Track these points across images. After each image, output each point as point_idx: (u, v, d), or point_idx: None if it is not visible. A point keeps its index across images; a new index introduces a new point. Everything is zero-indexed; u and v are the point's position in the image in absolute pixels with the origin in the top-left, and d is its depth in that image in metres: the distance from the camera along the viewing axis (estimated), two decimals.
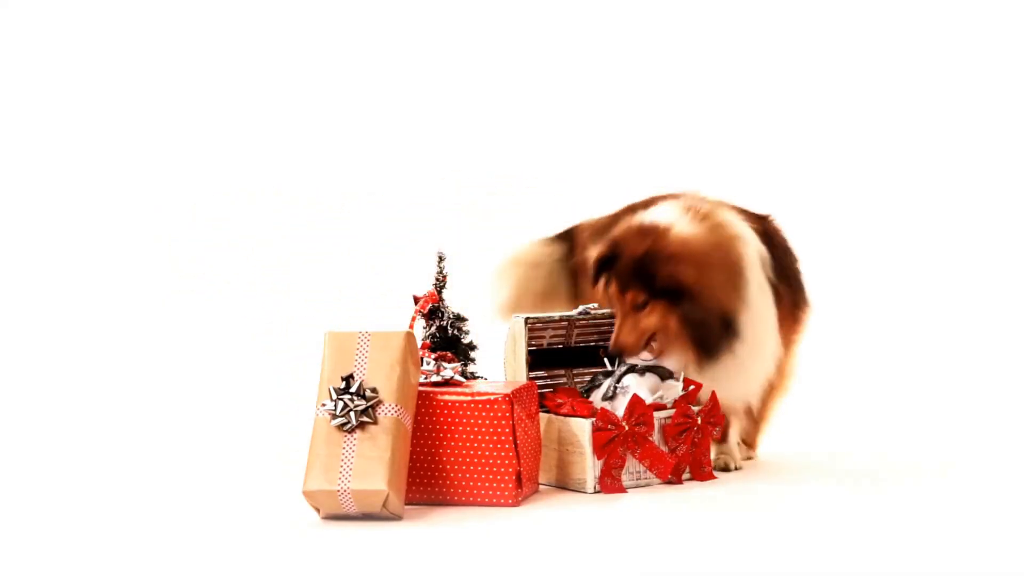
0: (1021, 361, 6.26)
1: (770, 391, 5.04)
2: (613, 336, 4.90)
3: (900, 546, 4.11)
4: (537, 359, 5.10)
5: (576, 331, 5.12)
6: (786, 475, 5.02)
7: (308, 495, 4.48)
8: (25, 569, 4.13)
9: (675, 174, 6.88)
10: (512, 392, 4.71)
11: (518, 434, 4.68)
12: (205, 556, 4.21)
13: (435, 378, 4.82)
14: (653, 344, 4.88)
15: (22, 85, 7.08)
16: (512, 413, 4.67)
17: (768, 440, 5.27)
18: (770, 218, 5.03)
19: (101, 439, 5.93)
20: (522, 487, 4.70)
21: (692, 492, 4.83)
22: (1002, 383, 5.85)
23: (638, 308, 4.87)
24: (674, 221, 4.85)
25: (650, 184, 6.86)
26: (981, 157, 6.86)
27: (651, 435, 4.83)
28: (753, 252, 4.86)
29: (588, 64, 7.05)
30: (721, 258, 4.82)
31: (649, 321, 4.86)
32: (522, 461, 4.69)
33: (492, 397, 4.69)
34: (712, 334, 4.81)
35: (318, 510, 4.53)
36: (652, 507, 4.66)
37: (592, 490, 4.81)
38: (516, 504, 4.68)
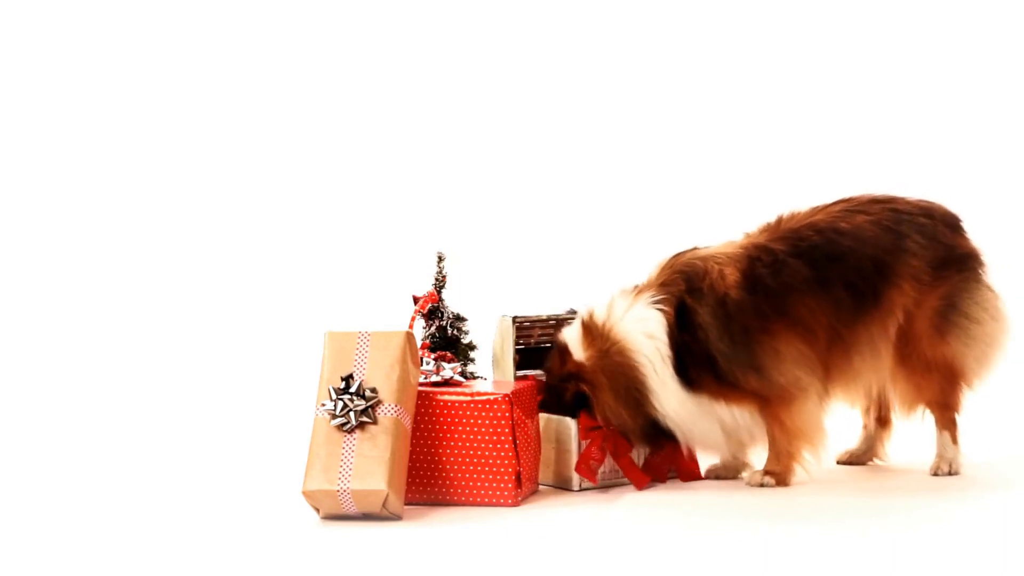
0: None
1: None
2: None
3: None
4: (524, 358, 5.11)
5: (560, 343, 5.12)
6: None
7: (308, 495, 4.48)
8: (25, 569, 4.12)
9: (670, 176, 6.90)
10: (512, 392, 4.71)
11: (518, 434, 4.68)
12: (205, 556, 4.21)
13: (435, 378, 4.83)
14: None
15: (22, 86, 7.09)
16: (512, 413, 4.67)
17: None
18: (687, 299, 4.81)
19: (102, 439, 5.93)
20: (522, 487, 4.70)
21: (690, 493, 4.84)
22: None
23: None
24: (572, 343, 4.91)
25: (646, 186, 6.90)
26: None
27: (630, 451, 4.91)
28: (647, 360, 4.82)
29: (589, 64, 7.04)
30: (610, 381, 4.85)
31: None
32: (522, 461, 4.69)
33: (492, 397, 4.69)
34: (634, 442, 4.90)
35: (318, 510, 4.53)
36: (651, 507, 4.66)
37: (578, 488, 4.86)
38: (516, 504, 4.68)
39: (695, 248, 4.95)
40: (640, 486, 4.90)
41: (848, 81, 6.93)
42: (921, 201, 4.97)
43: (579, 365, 4.89)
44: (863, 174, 5.49)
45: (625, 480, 4.94)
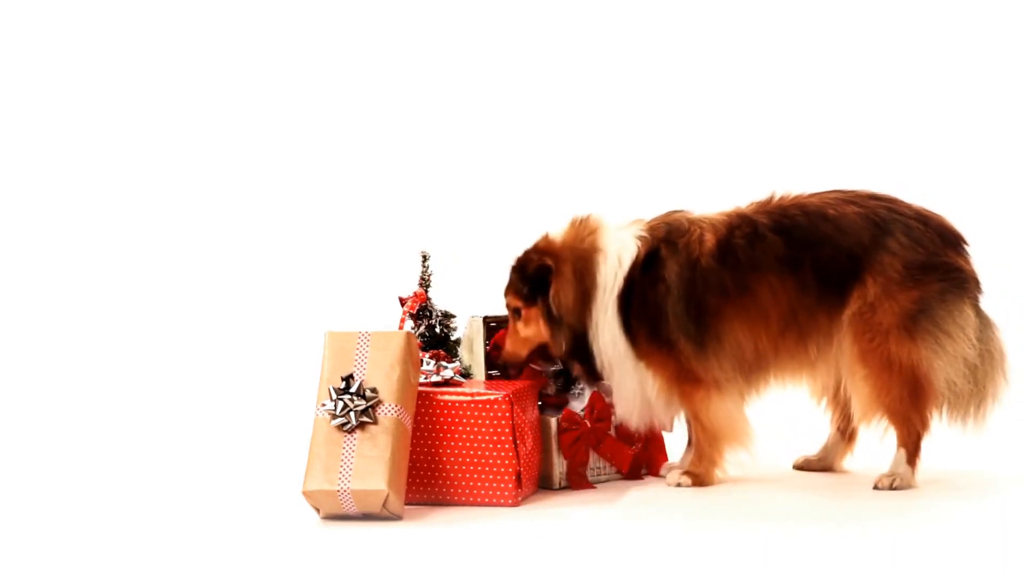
0: None
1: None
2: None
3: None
4: (488, 358, 5.13)
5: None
6: (776, 481, 5.04)
7: (308, 495, 4.48)
8: (25, 569, 4.13)
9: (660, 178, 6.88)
10: (512, 392, 4.71)
11: (518, 434, 4.68)
12: (205, 556, 4.21)
13: (435, 378, 4.83)
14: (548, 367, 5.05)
15: (22, 86, 7.09)
16: (512, 413, 4.67)
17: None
18: (662, 248, 4.86)
19: (102, 439, 5.93)
20: (522, 487, 4.71)
21: (690, 493, 4.84)
22: None
23: (515, 314, 4.97)
24: (554, 230, 5.00)
25: (633, 187, 6.88)
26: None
27: (610, 429, 4.99)
28: (607, 269, 4.89)
29: (575, 63, 7.03)
30: (574, 262, 4.90)
31: (528, 331, 4.96)
32: (522, 461, 4.69)
33: (492, 397, 4.69)
34: (567, 338, 4.92)
35: (318, 510, 4.53)
36: (651, 507, 4.66)
37: (558, 485, 4.90)
38: (516, 504, 4.68)
39: (689, 211, 5.00)
40: (625, 466, 5.00)
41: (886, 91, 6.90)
42: (924, 209, 4.90)
43: (551, 242, 4.95)
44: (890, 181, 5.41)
45: (614, 477, 5.01)
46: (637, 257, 4.87)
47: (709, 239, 4.86)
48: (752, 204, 4.95)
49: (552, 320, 4.91)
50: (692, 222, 4.92)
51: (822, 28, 6.88)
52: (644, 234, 4.91)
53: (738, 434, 4.92)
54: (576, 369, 4.98)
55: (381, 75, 7.07)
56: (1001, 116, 6.74)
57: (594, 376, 4.95)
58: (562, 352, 4.94)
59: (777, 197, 4.94)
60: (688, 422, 5.00)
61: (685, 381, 4.87)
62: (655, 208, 5.10)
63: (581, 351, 4.92)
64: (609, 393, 4.97)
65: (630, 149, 6.93)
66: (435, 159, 7.01)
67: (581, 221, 4.98)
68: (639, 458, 5.06)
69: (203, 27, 7.09)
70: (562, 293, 4.89)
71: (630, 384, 4.92)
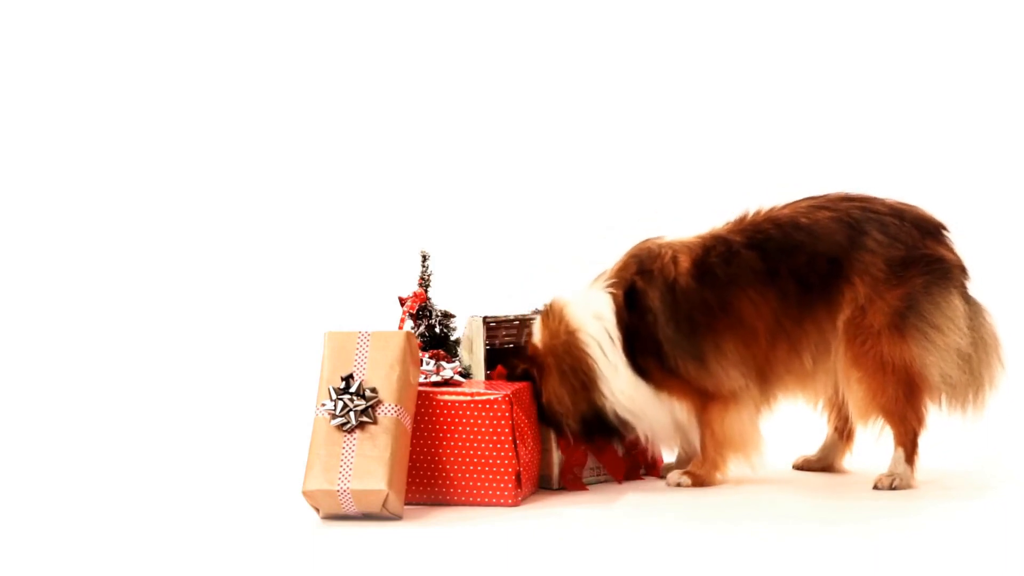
0: None
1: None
2: None
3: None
4: (488, 358, 5.13)
5: (527, 331, 5.15)
6: (776, 481, 5.04)
7: (308, 495, 4.48)
8: (25, 569, 4.13)
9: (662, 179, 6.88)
10: (512, 392, 4.71)
11: (518, 434, 4.68)
12: (205, 556, 4.21)
13: (435, 378, 4.83)
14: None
15: (23, 86, 7.09)
16: (512, 413, 4.67)
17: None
18: (637, 281, 4.85)
19: (102, 440, 5.93)
20: (522, 487, 4.71)
21: (690, 493, 4.84)
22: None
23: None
24: (534, 327, 5.00)
25: (635, 188, 6.88)
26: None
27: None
28: (594, 341, 4.87)
29: (569, 65, 7.03)
30: (556, 362, 4.90)
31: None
32: (522, 461, 4.69)
33: (492, 397, 4.69)
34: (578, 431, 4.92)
35: (318, 510, 4.53)
36: (651, 507, 4.66)
37: (557, 485, 4.90)
38: (516, 504, 4.68)
39: (660, 237, 4.97)
40: (619, 476, 4.98)
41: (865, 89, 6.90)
42: (898, 203, 4.87)
43: (534, 348, 4.95)
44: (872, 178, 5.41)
45: (604, 478, 5.01)
46: (618, 304, 4.86)
47: (684, 260, 4.83)
48: (726, 224, 4.93)
49: (549, 421, 4.90)
50: (662, 247, 4.90)
51: (807, 32, 6.89)
52: (613, 281, 4.90)
53: (746, 445, 4.89)
54: (598, 439, 4.95)
55: (381, 76, 7.08)
56: (988, 114, 6.76)
57: (621, 438, 4.94)
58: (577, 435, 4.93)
59: (750, 215, 4.91)
60: (698, 429, 4.97)
61: (705, 394, 4.85)
62: (655, 206, 5.10)
63: (595, 422, 4.90)
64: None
65: (630, 146, 6.94)
66: (435, 159, 7.01)
67: (548, 313, 4.96)
68: (637, 459, 5.05)
69: (203, 28, 7.09)
70: (555, 397, 4.89)
71: (663, 420, 4.91)
